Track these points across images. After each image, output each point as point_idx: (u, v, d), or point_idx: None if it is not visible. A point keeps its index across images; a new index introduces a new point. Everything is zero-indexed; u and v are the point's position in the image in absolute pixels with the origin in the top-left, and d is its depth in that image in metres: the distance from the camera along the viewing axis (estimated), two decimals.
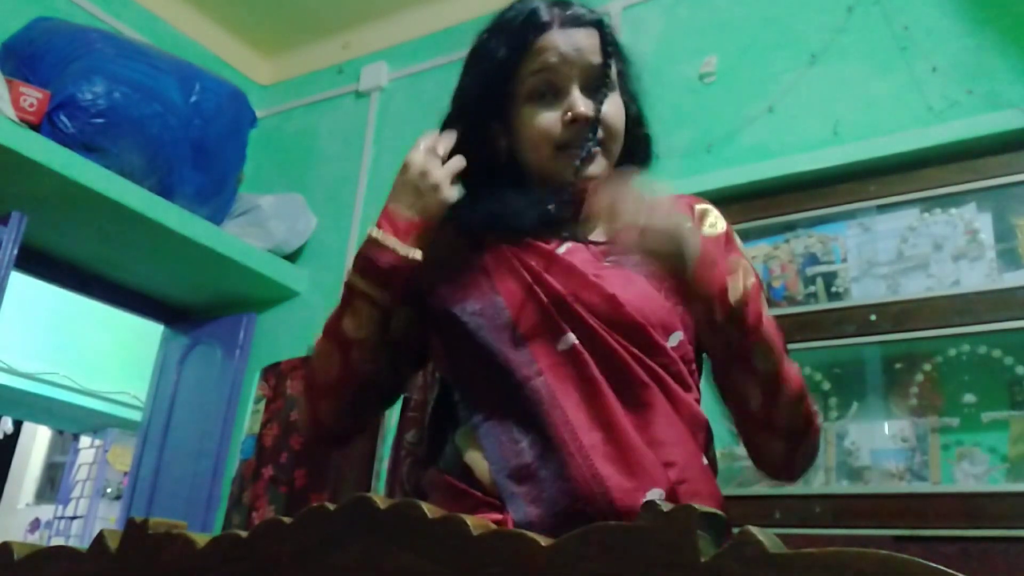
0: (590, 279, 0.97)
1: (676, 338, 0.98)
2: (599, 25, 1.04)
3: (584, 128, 1.00)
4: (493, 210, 1.03)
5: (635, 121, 1.08)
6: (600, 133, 1.01)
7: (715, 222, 1.10)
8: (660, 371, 0.96)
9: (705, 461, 0.97)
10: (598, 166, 1.01)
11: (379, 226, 0.99)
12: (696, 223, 1.05)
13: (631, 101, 1.08)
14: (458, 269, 1.01)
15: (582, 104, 1.00)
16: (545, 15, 1.02)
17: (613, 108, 1.02)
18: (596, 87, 1.02)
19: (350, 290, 0.99)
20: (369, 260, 0.98)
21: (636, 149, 1.09)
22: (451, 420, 1.03)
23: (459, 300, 0.99)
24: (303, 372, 1.07)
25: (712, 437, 1.01)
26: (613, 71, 1.04)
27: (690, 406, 0.97)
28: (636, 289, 0.97)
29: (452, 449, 0.99)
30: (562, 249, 1.00)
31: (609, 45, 1.03)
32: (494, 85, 1.03)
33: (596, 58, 1.02)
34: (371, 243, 0.98)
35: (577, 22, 1.03)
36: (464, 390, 1.00)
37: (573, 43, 1.02)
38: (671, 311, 0.98)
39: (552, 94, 1.02)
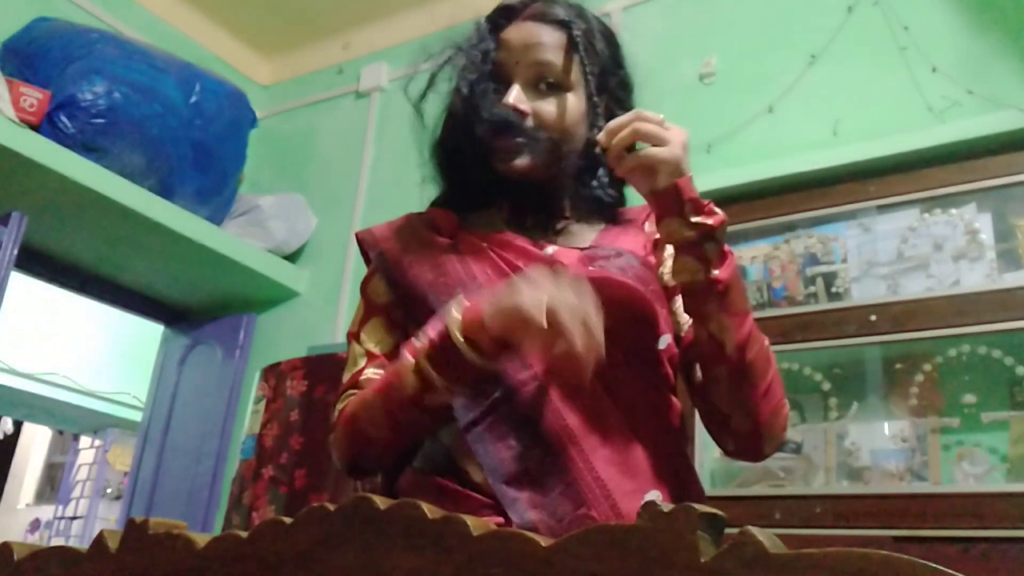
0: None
1: (664, 341, 0.99)
2: (566, 25, 1.03)
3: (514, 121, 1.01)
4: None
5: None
6: (531, 128, 1.01)
7: None
8: (651, 373, 0.97)
9: (690, 459, 0.99)
10: (522, 160, 1.00)
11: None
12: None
13: (614, 108, 1.06)
14: (445, 273, 1.00)
15: (511, 98, 1.01)
16: (513, 8, 1.06)
17: (552, 107, 1.02)
18: (537, 84, 1.02)
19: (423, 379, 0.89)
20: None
21: None
22: None
23: (447, 302, 0.96)
24: (346, 414, 0.97)
25: (689, 435, 1.02)
26: (574, 72, 1.02)
27: (676, 406, 0.99)
28: (626, 293, 0.97)
29: (439, 450, 0.97)
30: (549, 251, 1.00)
31: (576, 46, 1.02)
32: (471, 75, 1.05)
33: (547, 55, 1.02)
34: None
35: (539, 18, 1.04)
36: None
37: (524, 38, 1.03)
38: (659, 314, 0.98)
39: (502, 86, 1.03)
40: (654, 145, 0.90)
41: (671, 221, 0.92)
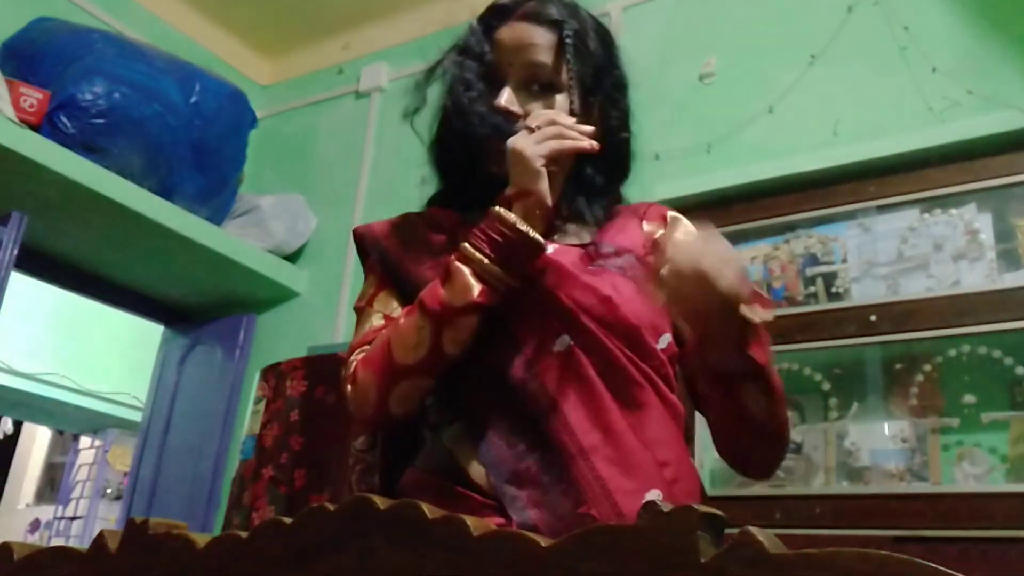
0: (583, 280, 0.97)
1: (665, 340, 0.99)
2: (558, 26, 1.02)
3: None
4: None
5: (610, 128, 1.06)
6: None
7: (687, 230, 1.09)
8: (651, 372, 0.97)
9: (691, 459, 0.99)
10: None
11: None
12: (668, 230, 1.08)
13: (608, 107, 1.06)
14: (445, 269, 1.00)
15: (503, 99, 1.01)
16: (506, 8, 1.06)
17: (545, 107, 1.01)
18: (529, 85, 1.02)
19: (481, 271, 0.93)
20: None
21: (612, 154, 1.06)
22: (422, 422, 1.02)
23: None
24: (371, 354, 0.97)
25: (689, 434, 1.03)
26: (565, 72, 1.02)
27: (676, 405, 0.99)
28: (627, 292, 0.97)
29: (440, 450, 0.97)
30: (549, 250, 1.00)
31: (568, 47, 1.02)
32: (464, 77, 1.05)
33: (539, 57, 1.02)
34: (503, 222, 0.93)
35: (532, 19, 1.03)
36: (451, 391, 0.98)
37: (516, 40, 1.03)
38: (659, 313, 0.98)
39: (494, 87, 1.03)
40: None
41: (727, 354, 0.90)
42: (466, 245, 0.93)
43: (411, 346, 0.92)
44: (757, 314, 0.87)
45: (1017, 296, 1.86)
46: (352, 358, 0.99)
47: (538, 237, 0.92)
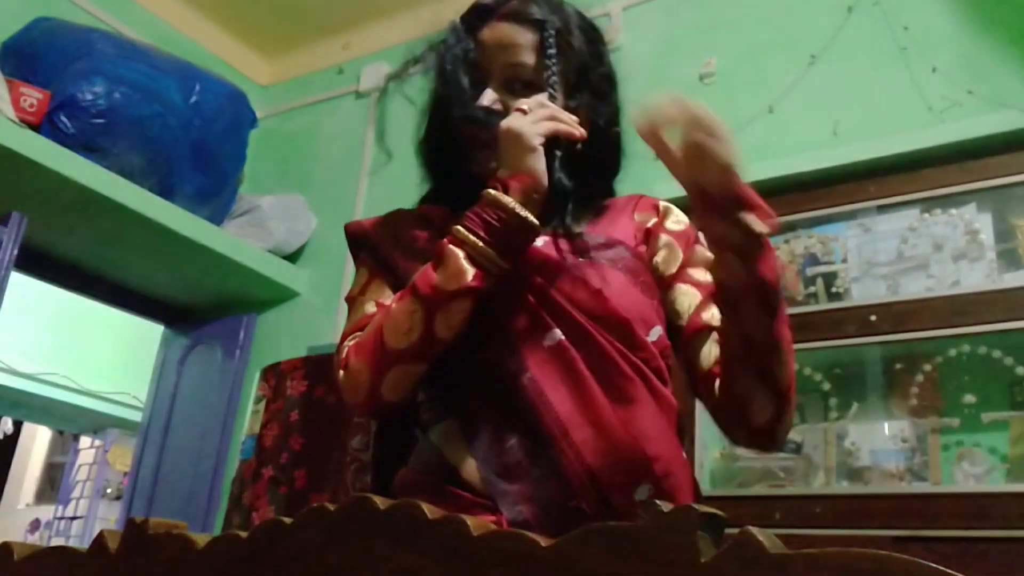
0: (573, 274, 0.97)
1: (656, 332, 0.99)
2: (540, 25, 1.02)
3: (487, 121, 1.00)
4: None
5: (598, 125, 1.04)
6: None
7: (679, 219, 1.09)
8: (642, 366, 0.96)
9: (684, 454, 0.98)
10: (496, 162, 0.98)
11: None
12: (660, 219, 1.08)
13: (595, 104, 1.05)
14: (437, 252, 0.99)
15: (486, 100, 1.01)
16: (488, 8, 1.06)
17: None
18: (512, 85, 1.02)
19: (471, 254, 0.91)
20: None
21: (600, 154, 1.06)
22: (413, 421, 1.02)
23: None
24: (363, 340, 0.96)
25: (685, 429, 1.01)
26: (547, 73, 1.01)
27: (669, 399, 0.98)
28: (616, 284, 0.97)
29: (431, 449, 0.97)
30: (539, 243, 0.99)
31: (550, 46, 1.01)
32: (447, 77, 1.05)
33: (521, 56, 1.02)
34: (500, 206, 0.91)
35: (513, 18, 1.04)
36: (440, 388, 0.98)
37: (498, 40, 1.03)
38: (650, 306, 0.99)
39: (478, 87, 1.03)
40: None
41: (719, 221, 0.85)
42: (459, 228, 0.92)
43: (403, 331, 0.91)
44: (756, 224, 0.83)
45: (1017, 296, 1.86)
46: (344, 344, 0.98)
47: (534, 220, 0.92)
